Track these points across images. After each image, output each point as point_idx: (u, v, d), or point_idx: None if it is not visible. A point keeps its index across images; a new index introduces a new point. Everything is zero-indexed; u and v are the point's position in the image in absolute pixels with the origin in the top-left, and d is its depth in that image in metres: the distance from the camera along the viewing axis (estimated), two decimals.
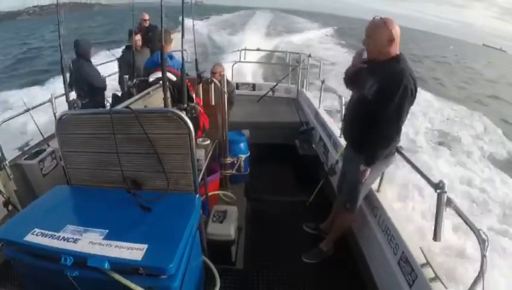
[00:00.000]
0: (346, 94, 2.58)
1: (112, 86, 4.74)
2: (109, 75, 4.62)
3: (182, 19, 2.21)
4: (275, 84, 6.11)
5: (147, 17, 5.50)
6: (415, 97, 1.93)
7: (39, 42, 24.04)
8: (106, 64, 5.10)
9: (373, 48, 2.02)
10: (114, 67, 4.94)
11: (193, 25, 2.70)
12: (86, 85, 3.70)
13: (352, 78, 2.25)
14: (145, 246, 1.34)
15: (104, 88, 4.00)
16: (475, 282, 1.42)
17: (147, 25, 5.51)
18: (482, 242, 1.41)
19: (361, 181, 2.20)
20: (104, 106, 3.87)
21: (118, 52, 4.95)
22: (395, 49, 1.98)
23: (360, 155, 2.19)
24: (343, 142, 3.03)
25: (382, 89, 1.95)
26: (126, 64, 4.03)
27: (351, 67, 2.23)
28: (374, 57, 2.04)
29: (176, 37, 3.63)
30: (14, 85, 11.58)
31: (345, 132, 2.46)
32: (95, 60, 4.22)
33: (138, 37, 4.22)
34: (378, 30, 1.96)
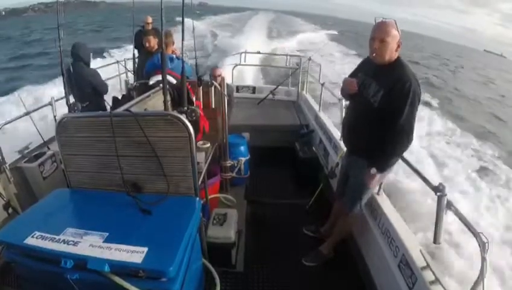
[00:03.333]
0: None
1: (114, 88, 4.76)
2: (108, 79, 4.64)
3: (182, 20, 2.20)
4: (275, 87, 6.12)
5: (150, 20, 5.51)
6: (420, 100, 1.92)
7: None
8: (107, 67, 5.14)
9: (385, 52, 1.93)
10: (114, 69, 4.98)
11: (193, 28, 2.71)
12: (90, 88, 3.71)
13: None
14: (145, 249, 1.34)
15: (106, 92, 4.02)
16: (475, 285, 1.42)
17: (149, 28, 5.52)
18: (483, 245, 1.41)
19: (369, 186, 2.20)
20: (104, 109, 3.87)
21: (117, 54, 4.96)
22: (398, 53, 1.97)
23: (368, 162, 2.16)
24: (343, 145, 3.03)
25: (389, 96, 1.90)
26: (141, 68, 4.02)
27: (345, 93, 2.21)
28: (383, 62, 1.96)
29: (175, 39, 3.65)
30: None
31: (348, 138, 2.40)
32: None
33: (151, 38, 4.19)
34: (392, 33, 1.90)
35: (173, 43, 3.65)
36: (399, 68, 1.93)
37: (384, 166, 2.11)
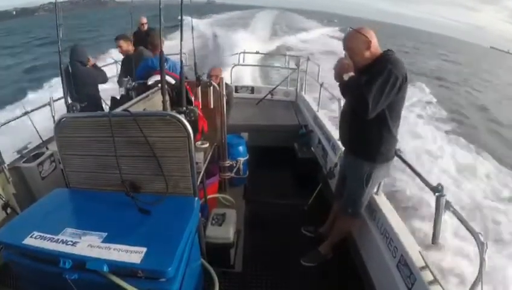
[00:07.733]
0: None
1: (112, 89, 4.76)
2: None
3: (181, 20, 2.19)
4: (273, 87, 6.13)
5: (144, 20, 5.49)
6: (399, 88, 1.90)
7: None
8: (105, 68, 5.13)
9: (355, 57, 2.06)
10: (112, 70, 4.98)
11: (192, 28, 2.70)
12: (91, 85, 3.76)
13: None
14: (144, 249, 1.34)
15: (107, 80, 4.10)
16: (474, 285, 1.43)
17: (145, 28, 5.50)
18: (481, 245, 1.41)
19: (366, 185, 2.21)
20: (102, 109, 3.87)
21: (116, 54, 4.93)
22: (376, 50, 2.02)
23: (359, 159, 2.20)
24: (341, 145, 3.04)
25: (369, 78, 1.93)
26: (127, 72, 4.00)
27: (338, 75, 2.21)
28: (360, 65, 2.07)
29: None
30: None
31: (342, 135, 2.45)
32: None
33: (121, 43, 4.07)
34: (353, 41, 2.03)
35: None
36: (382, 59, 1.99)
37: (374, 155, 2.13)
